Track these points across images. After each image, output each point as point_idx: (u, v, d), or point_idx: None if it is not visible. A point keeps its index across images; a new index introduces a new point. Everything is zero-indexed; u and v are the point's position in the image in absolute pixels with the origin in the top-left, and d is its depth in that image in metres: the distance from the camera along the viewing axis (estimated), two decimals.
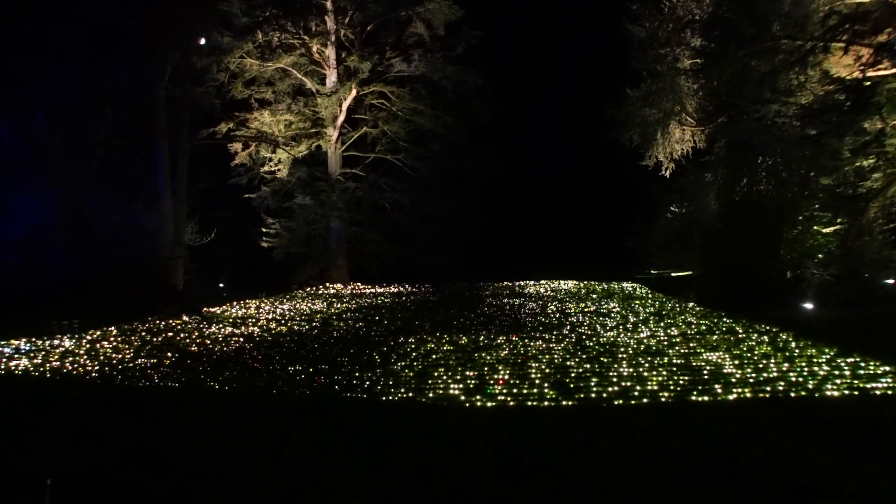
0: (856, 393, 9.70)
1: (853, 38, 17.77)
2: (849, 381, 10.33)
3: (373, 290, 29.31)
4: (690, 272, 25.81)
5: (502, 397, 10.10)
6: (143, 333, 18.06)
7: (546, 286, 28.31)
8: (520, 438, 8.08)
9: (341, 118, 33.43)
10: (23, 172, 25.14)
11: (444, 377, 11.57)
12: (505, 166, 33.87)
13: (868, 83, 17.61)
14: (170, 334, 17.78)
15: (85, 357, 14.64)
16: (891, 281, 19.61)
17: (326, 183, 33.30)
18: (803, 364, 11.61)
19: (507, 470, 6.82)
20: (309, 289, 31.22)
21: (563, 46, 41.95)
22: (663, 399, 9.78)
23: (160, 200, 27.43)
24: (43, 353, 15.30)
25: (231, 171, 33.35)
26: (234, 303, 25.79)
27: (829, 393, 9.73)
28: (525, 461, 7.11)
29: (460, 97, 33.30)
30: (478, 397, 10.12)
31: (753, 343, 13.73)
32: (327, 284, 32.33)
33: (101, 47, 27.05)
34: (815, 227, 19.62)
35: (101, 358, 14.50)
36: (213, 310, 23.64)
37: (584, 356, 12.97)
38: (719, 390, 10.04)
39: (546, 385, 10.73)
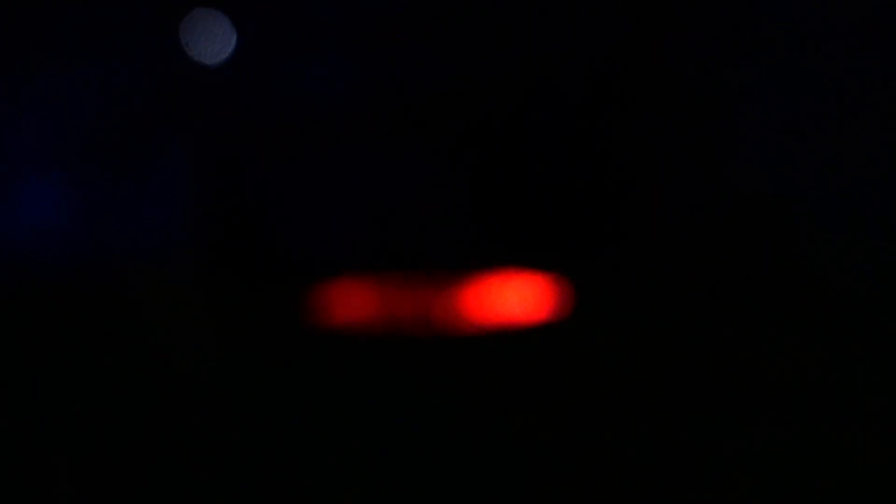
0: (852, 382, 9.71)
1: None
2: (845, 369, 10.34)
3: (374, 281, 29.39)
4: None
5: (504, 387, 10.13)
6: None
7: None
8: (522, 425, 8.09)
9: None
10: (28, 168, 25.22)
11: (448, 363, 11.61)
12: (506, 157, 33.91)
13: None
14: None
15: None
16: None
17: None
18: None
19: (509, 458, 6.82)
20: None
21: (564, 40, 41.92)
22: (664, 391, 9.79)
23: (168, 196, 27.48)
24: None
25: None
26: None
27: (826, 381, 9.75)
28: (528, 449, 7.11)
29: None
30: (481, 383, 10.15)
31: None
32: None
33: (108, 42, 27.07)
34: None
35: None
36: None
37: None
38: (719, 380, 10.05)
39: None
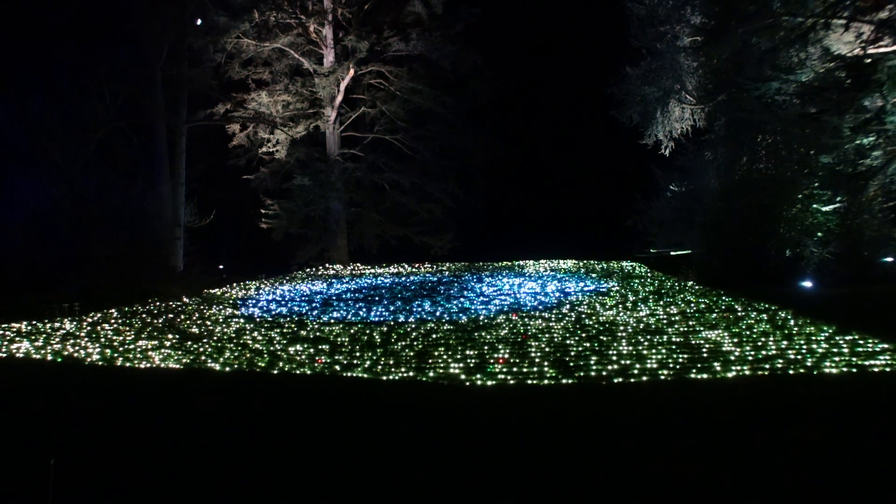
0: (854, 370, 9.75)
1: (854, 15, 17.64)
2: (847, 358, 10.39)
3: (372, 271, 29.36)
4: (690, 251, 25.82)
5: (502, 376, 10.16)
6: (144, 315, 18.11)
7: (546, 265, 28.35)
8: (520, 416, 8.14)
9: (339, 98, 33.29)
10: (21, 156, 25.09)
11: (445, 356, 11.63)
12: (504, 145, 33.81)
13: (869, 60, 17.49)
14: (170, 316, 17.84)
15: (86, 339, 14.70)
16: (890, 259, 19.61)
17: (325, 163, 33.25)
18: (802, 342, 11.66)
19: (507, 447, 6.88)
20: (309, 269, 31.26)
21: (562, 24, 41.68)
22: (663, 377, 9.84)
23: (159, 182, 27.40)
24: (44, 335, 15.35)
25: (229, 153, 33.30)
26: (234, 284, 25.84)
27: (827, 370, 9.79)
28: (526, 439, 7.17)
29: (459, 76, 33.16)
30: (478, 376, 10.18)
31: (752, 321, 13.77)
32: (327, 265, 32.37)
33: (97, 28, 26.90)
34: (814, 206, 19.57)
35: (102, 340, 14.56)
36: (213, 291, 23.70)
37: (583, 335, 13.02)
38: (718, 368, 10.09)
39: (546, 364, 10.80)
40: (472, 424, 7.89)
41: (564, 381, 9.82)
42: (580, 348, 11.87)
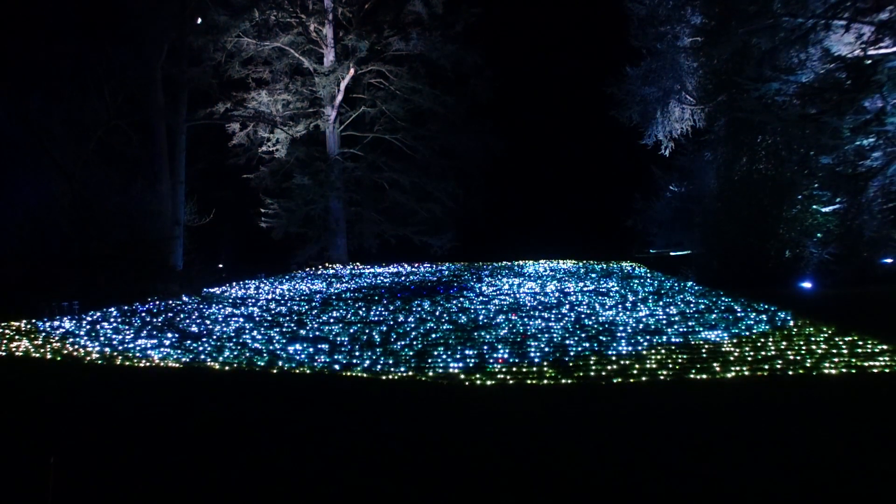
0: (853, 371, 9.76)
1: (855, 16, 17.64)
2: (846, 359, 10.39)
3: (372, 270, 29.34)
4: (689, 251, 25.82)
5: (502, 376, 10.16)
6: (143, 314, 18.10)
7: (545, 265, 28.34)
8: (520, 416, 8.15)
9: (339, 98, 33.28)
10: (21, 155, 25.06)
11: (444, 356, 11.62)
12: (504, 145, 33.79)
13: (869, 61, 17.51)
14: (170, 315, 17.83)
15: (85, 338, 14.70)
16: (889, 260, 19.62)
17: (325, 163, 33.24)
18: (801, 343, 11.67)
19: (507, 447, 6.88)
20: (308, 269, 31.27)
21: (562, 24, 41.64)
22: (662, 377, 9.84)
23: (159, 181, 27.39)
24: (43, 334, 15.35)
25: (229, 152, 33.29)
26: (234, 283, 25.83)
27: (826, 371, 9.79)
28: (525, 438, 7.17)
29: (459, 75, 33.18)
30: (477, 376, 10.18)
31: (752, 322, 13.77)
32: (327, 264, 32.37)
33: (97, 27, 26.87)
34: (814, 206, 19.58)
35: (102, 339, 14.56)
36: (212, 290, 23.70)
37: (583, 335, 13.02)
38: (718, 369, 10.10)
39: (545, 364, 10.80)
40: (472, 424, 7.89)
41: (564, 381, 9.83)
42: (580, 348, 11.88)
